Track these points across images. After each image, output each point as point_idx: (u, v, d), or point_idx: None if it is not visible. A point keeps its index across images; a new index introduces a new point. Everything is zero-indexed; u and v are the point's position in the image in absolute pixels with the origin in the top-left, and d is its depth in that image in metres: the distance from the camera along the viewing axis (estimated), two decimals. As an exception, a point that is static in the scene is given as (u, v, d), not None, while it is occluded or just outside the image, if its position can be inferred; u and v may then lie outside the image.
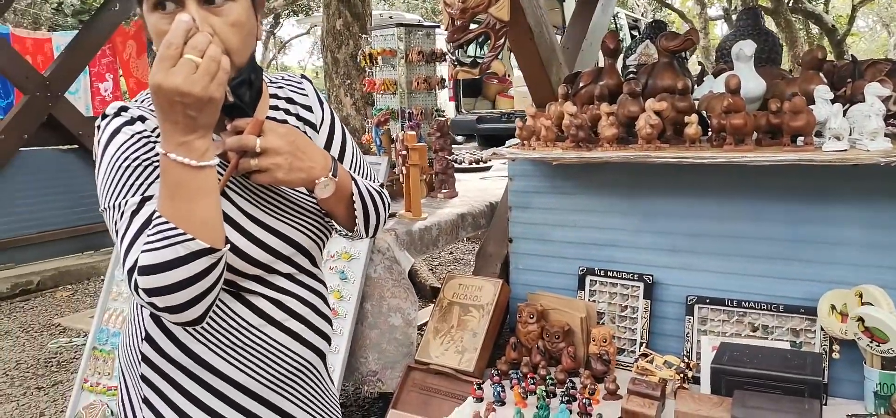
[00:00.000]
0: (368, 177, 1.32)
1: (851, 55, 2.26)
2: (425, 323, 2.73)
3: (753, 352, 2.00)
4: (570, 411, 2.11)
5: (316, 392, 1.25)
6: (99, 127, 1.09)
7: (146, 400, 1.12)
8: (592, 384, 2.24)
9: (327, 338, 1.24)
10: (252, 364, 1.13)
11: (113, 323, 3.01)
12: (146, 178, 1.03)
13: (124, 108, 1.09)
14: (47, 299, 5.39)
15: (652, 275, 2.39)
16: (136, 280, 0.95)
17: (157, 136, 1.03)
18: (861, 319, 1.88)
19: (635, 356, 2.38)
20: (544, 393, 2.20)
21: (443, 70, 3.56)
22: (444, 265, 5.98)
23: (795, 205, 2.12)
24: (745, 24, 2.60)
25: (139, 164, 1.03)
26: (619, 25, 11.36)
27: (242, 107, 1.07)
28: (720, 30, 18.72)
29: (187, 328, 1.09)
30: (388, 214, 1.33)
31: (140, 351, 1.12)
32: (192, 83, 0.91)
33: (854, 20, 12.21)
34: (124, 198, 1.02)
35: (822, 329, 2.07)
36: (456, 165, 3.70)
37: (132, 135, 1.06)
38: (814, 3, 12.28)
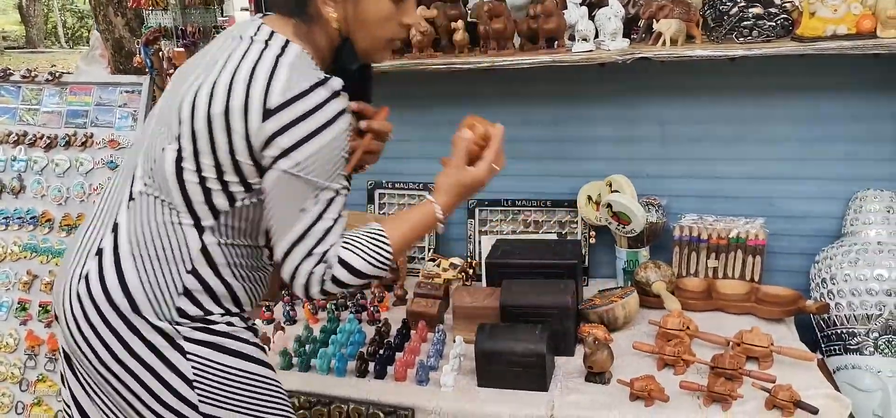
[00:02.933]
0: None
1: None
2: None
3: (523, 246, 2.16)
4: (359, 320, 2.14)
5: None
6: (314, 91, 1.10)
7: (181, 324, 1.19)
8: (382, 292, 2.29)
9: None
10: (258, 292, 1.31)
11: None
12: (342, 169, 1.15)
13: (345, 90, 1.14)
14: None
15: (431, 187, 2.45)
16: (332, 267, 1.14)
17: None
18: (609, 205, 2.10)
19: (425, 262, 2.47)
20: (333, 307, 2.21)
21: (221, -18, 3.29)
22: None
23: (557, 107, 2.28)
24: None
25: (345, 154, 1.15)
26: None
27: (366, 92, 1.30)
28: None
29: (247, 283, 1.26)
30: None
31: (182, 284, 1.19)
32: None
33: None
34: (329, 182, 1.13)
35: (582, 218, 2.28)
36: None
37: (348, 124, 1.15)
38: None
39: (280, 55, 1.13)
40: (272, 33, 1.16)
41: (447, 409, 1.65)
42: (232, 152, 1.11)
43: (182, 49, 2.56)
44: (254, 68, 1.11)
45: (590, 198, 2.23)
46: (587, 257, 2.29)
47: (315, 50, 1.19)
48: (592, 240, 2.28)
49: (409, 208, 1.33)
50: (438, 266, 2.36)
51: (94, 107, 2.42)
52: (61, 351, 1.32)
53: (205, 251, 1.18)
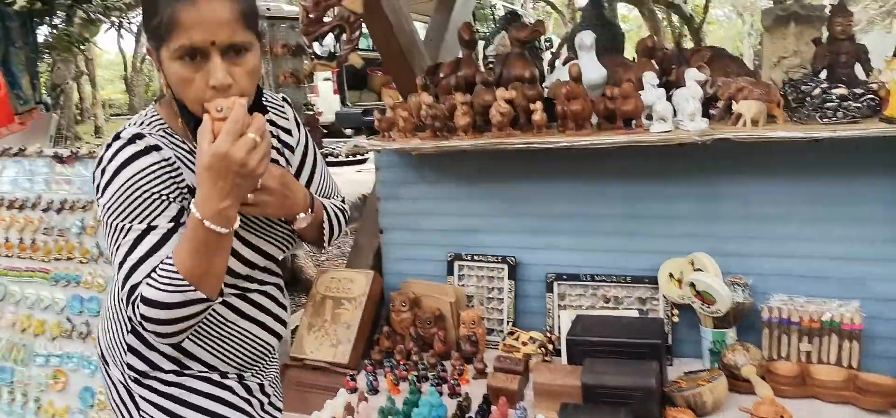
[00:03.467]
0: (333, 192, 1.48)
1: (675, 43, 2.46)
2: (299, 320, 2.70)
3: (604, 322, 2.15)
4: (440, 393, 2.17)
5: (270, 366, 1.48)
6: (111, 146, 1.17)
7: (137, 381, 1.29)
8: (462, 365, 2.32)
9: (284, 324, 1.44)
10: (226, 351, 1.32)
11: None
12: (154, 209, 1.15)
13: (139, 136, 1.17)
14: None
15: (515, 257, 2.50)
16: (137, 304, 1.11)
17: (171, 166, 1.17)
18: (693, 284, 2.07)
19: (503, 335, 2.49)
20: (415, 378, 2.26)
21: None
22: (331, 260, 5.92)
23: (636, 183, 2.29)
24: (590, 15, 2.76)
25: (151, 195, 1.15)
26: (495, 16, 11.65)
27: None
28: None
29: (192, 337, 1.28)
30: (347, 223, 1.49)
31: (125, 342, 1.28)
32: (251, 157, 1.06)
33: (708, 9, 13.20)
34: (130, 222, 1.14)
35: (663, 296, 2.25)
36: (332, 159, 3.68)
37: (147, 166, 1.16)
38: (674, -7, 13.15)
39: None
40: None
41: (529, 491, 1.65)
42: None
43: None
44: None
45: (671, 275, 2.21)
46: (670, 336, 2.25)
47: (172, 114, 1.24)
48: (676, 319, 2.24)
49: None
50: (517, 339, 2.38)
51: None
52: None
53: None
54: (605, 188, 2.33)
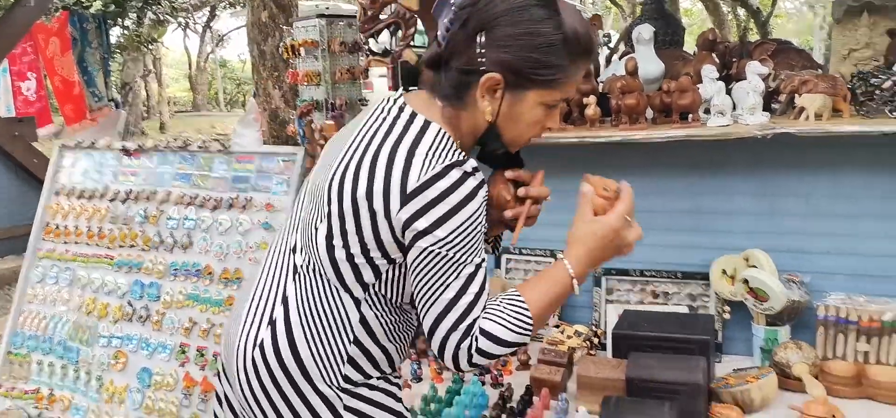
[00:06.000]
0: None
1: (740, 37, 2.40)
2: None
3: (652, 318, 2.12)
4: (483, 382, 2.19)
5: None
6: (451, 171, 1.13)
7: (347, 391, 1.28)
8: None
9: None
10: (404, 352, 1.37)
11: (28, 326, 2.94)
12: (481, 244, 1.17)
13: (477, 169, 1.16)
14: (-33, 306, 5.17)
15: (563, 251, 2.48)
16: (476, 338, 1.14)
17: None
18: (746, 281, 2.02)
19: (549, 328, 2.48)
20: (460, 368, 2.27)
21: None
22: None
23: (693, 178, 2.25)
24: (649, 8, 2.72)
25: (482, 230, 1.17)
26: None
27: (518, 158, 1.31)
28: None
29: (398, 344, 1.32)
30: None
31: (347, 353, 1.26)
32: (632, 238, 1.22)
33: (776, 3, 12.73)
34: (470, 256, 1.15)
35: (715, 292, 2.20)
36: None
37: (484, 201, 1.16)
38: (739, -15, 12.73)
39: (419, 137, 1.17)
40: (414, 114, 1.20)
41: (571, 482, 1.65)
42: (376, 233, 1.17)
43: (331, 121, 2.81)
44: (394, 151, 1.16)
45: (724, 271, 2.16)
46: (720, 333, 2.20)
47: (456, 132, 1.21)
48: (727, 316, 2.19)
49: (543, 270, 1.27)
50: (563, 333, 2.37)
51: (256, 174, 2.70)
52: (221, 400, 1.42)
53: (363, 321, 1.25)
54: (659, 183, 2.29)
